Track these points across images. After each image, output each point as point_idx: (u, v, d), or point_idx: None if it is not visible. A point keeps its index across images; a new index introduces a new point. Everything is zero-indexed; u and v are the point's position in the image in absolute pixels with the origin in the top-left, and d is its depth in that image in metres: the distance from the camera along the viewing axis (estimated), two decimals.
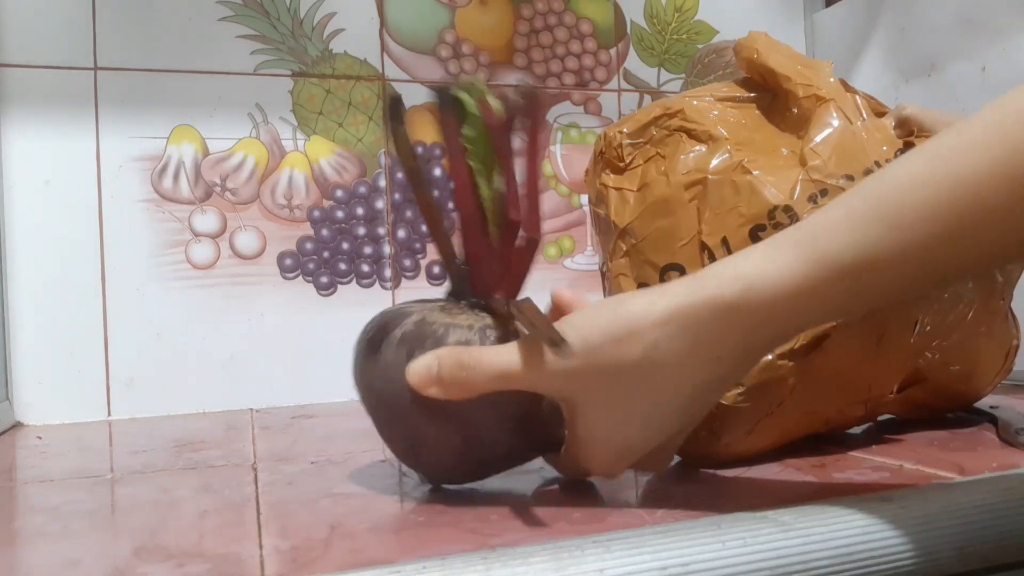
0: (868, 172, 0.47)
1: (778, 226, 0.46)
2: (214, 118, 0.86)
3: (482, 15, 0.96)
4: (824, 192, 0.47)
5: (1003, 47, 0.80)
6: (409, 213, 0.92)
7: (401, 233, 0.92)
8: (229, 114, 0.87)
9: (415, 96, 0.93)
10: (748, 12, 1.07)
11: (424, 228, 0.93)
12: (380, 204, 0.91)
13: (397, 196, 0.92)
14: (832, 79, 0.52)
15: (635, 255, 0.51)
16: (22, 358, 0.79)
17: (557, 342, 0.37)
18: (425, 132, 0.93)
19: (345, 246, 0.90)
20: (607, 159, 0.54)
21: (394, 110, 0.43)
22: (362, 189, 0.91)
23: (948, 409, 0.58)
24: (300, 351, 0.87)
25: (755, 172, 0.48)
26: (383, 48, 0.92)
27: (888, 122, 0.51)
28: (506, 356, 0.38)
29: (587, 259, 0.99)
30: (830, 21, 1.06)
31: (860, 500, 0.37)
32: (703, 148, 0.50)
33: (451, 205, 0.43)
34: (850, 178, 0.47)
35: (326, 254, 0.89)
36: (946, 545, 0.35)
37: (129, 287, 0.83)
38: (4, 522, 0.44)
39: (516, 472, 0.46)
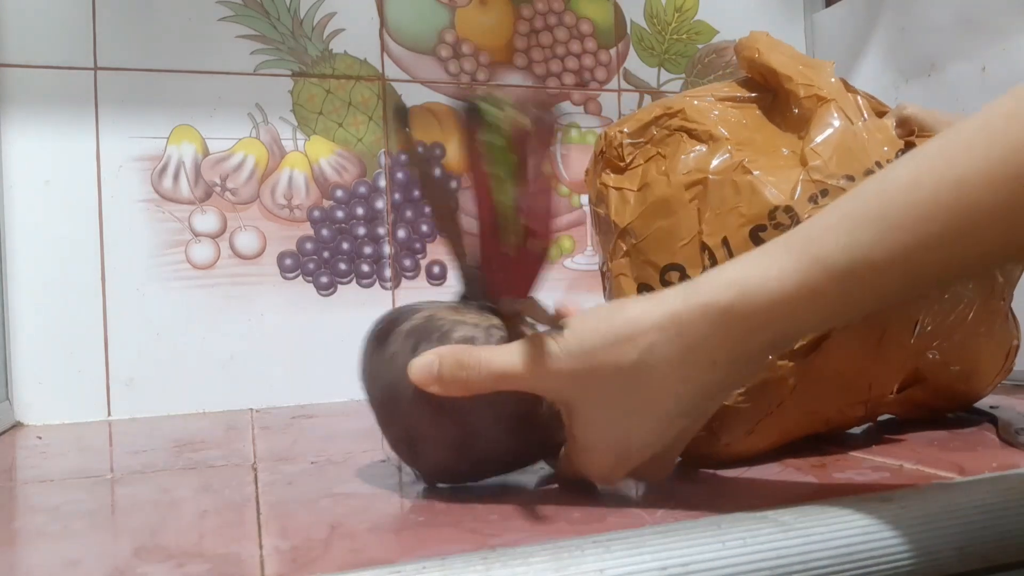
0: (869, 172, 0.47)
1: (779, 226, 0.46)
2: (214, 118, 0.86)
3: (482, 15, 0.96)
4: (825, 192, 0.47)
5: (1003, 47, 0.80)
6: (409, 213, 0.92)
7: (401, 233, 0.92)
8: (229, 114, 0.87)
9: (415, 96, 0.93)
10: (748, 12, 1.07)
11: (424, 228, 0.93)
12: (380, 204, 0.91)
13: (397, 196, 0.92)
14: (833, 79, 0.51)
15: (635, 255, 0.51)
16: (22, 358, 0.79)
17: (559, 325, 0.38)
18: (425, 132, 0.93)
19: (345, 246, 0.90)
20: (607, 159, 0.54)
21: (400, 118, 0.44)
22: (362, 189, 0.91)
23: (948, 409, 0.58)
24: (300, 351, 0.87)
25: (756, 172, 0.48)
26: (383, 48, 0.92)
27: (889, 122, 0.51)
28: (506, 356, 0.39)
29: (587, 259, 0.99)
30: (830, 21, 1.06)
31: (860, 500, 0.37)
32: (704, 148, 0.50)
33: (467, 210, 0.44)
34: (851, 178, 0.47)
35: (326, 254, 0.89)
36: (946, 545, 0.35)
37: (129, 287, 0.83)
38: (4, 522, 0.44)
39: (516, 472, 0.46)
